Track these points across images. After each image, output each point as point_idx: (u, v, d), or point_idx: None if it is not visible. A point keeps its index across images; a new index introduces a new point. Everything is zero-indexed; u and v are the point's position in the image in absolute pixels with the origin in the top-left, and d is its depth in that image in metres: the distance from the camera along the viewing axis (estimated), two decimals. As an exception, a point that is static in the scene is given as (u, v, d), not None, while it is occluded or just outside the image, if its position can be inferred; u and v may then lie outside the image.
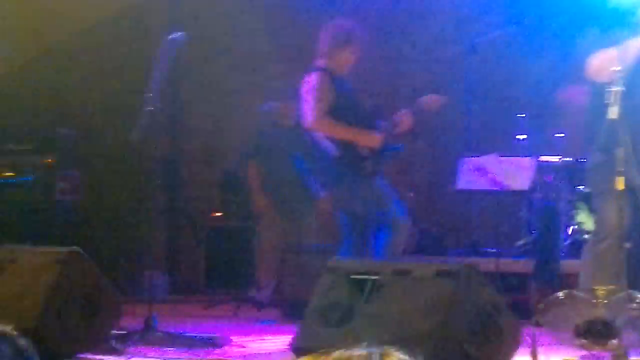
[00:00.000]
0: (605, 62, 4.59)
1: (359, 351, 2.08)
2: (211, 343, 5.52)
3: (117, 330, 5.34)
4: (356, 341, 4.18)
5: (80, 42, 9.33)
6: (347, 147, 6.07)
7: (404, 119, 6.31)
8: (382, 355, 2.07)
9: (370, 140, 6.14)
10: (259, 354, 5.37)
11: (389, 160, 6.44)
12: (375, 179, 6.17)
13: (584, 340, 4.45)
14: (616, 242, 4.82)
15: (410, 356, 1.99)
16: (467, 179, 7.12)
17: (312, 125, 6.12)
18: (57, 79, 9.29)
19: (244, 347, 5.59)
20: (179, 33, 5.88)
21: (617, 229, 4.78)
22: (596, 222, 5.24)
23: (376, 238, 6.16)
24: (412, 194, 7.95)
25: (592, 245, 5.18)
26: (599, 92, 4.68)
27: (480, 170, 7.03)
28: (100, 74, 9.28)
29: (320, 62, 6.24)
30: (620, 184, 4.50)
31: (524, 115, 7.76)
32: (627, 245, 4.93)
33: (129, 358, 4.89)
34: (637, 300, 4.45)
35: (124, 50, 9.32)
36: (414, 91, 6.82)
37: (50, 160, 8.10)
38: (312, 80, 6.13)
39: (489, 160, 7.09)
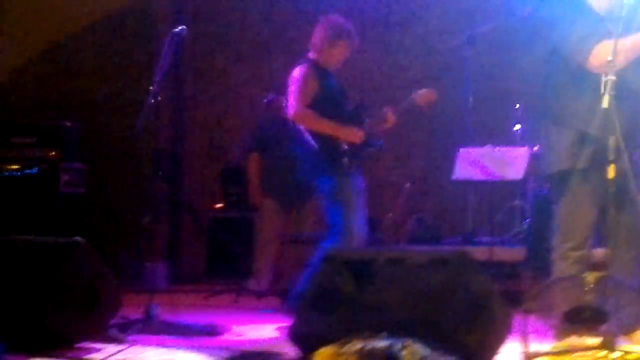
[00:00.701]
0: (607, 54, 4.53)
1: (380, 342, 2.13)
2: (211, 331, 5.58)
3: (119, 320, 5.41)
4: (351, 328, 4.24)
5: (85, 37, 9.42)
6: (326, 140, 6.02)
7: (388, 118, 6.29)
8: (403, 347, 2.12)
9: (351, 135, 6.07)
10: (258, 341, 5.45)
11: (370, 156, 6.30)
12: (353, 176, 6.06)
13: (573, 327, 4.50)
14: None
15: (429, 349, 2.02)
16: (463, 169, 7.21)
17: (293, 116, 6.10)
18: (62, 73, 9.39)
19: (243, 335, 5.65)
20: (182, 27, 5.96)
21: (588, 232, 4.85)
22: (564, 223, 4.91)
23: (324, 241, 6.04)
24: (409, 184, 8.01)
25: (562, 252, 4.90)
26: (564, 69, 4.72)
27: (476, 160, 7.11)
28: (104, 67, 9.37)
29: (311, 55, 6.28)
30: (611, 171, 4.50)
31: (518, 106, 7.84)
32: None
33: (129, 347, 4.95)
34: (624, 287, 4.51)
35: (128, 44, 9.40)
36: (411, 83, 6.85)
37: (54, 153, 8.17)
38: (298, 71, 6.15)
39: (484, 151, 7.17)
